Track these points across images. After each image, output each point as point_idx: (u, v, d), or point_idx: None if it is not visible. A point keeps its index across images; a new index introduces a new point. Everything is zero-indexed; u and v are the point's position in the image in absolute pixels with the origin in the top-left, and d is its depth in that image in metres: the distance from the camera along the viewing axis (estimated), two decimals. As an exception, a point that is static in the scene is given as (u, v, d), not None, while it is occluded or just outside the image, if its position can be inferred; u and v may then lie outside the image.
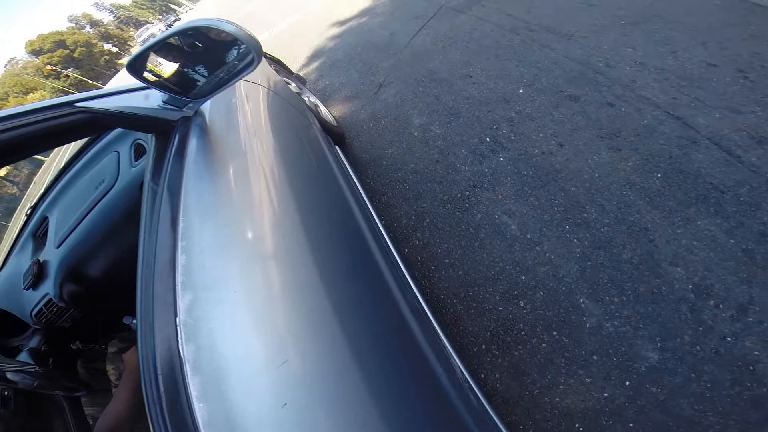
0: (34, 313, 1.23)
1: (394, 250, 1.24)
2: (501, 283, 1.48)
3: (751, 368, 1.05)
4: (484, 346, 1.37)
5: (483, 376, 1.31)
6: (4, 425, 1.13)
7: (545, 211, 1.59)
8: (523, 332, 1.34)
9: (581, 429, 1.12)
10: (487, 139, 2.00)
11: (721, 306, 1.16)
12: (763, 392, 1.01)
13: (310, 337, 0.65)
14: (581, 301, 1.33)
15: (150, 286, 0.67)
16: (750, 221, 1.29)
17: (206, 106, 1.07)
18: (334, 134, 2.21)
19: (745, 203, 1.33)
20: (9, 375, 1.02)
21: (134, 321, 0.96)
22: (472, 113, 2.20)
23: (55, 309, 1.21)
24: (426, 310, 1.02)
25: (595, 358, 1.21)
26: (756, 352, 1.07)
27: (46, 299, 1.21)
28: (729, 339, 1.11)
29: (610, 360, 1.18)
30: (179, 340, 0.58)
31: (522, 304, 1.40)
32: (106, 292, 1.27)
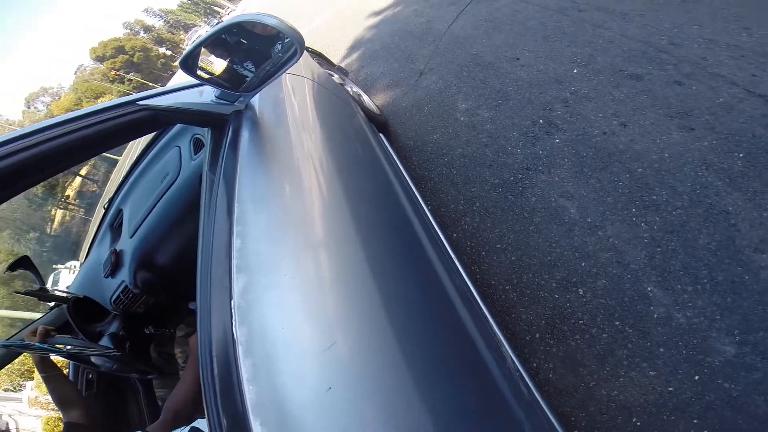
0: (113, 299, 1.33)
1: (442, 235, 1.23)
2: (558, 270, 1.39)
3: None
4: (537, 335, 1.30)
5: (535, 365, 1.25)
6: (90, 405, 1.20)
7: (608, 193, 1.47)
8: (581, 321, 1.26)
9: (638, 423, 1.05)
10: (540, 121, 1.88)
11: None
12: None
13: (358, 322, 0.65)
14: (649, 289, 1.22)
15: (208, 271, 0.70)
16: None
17: (255, 100, 1.11)
18: (378, 122, 2.22)
19: None
20: (93, 359, 1.10)
21: None
22: (523, 95, 2.08)
23: (130, 295, 1.31)
24: (476, 296, 1.00)
25: (661, 350, 1.11)
26: None
27: (122, 286, 1.31)
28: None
29: (680, 353, 1.09)
30: (233, 323, 0.59)
31: (581, 292, 1.31)
32: (174, 278, 1.36)
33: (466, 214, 1.73)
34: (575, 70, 2.04)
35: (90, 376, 1.34)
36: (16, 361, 1.38)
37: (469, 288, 1.02)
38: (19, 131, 0.69)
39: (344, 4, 5.98)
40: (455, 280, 0.96)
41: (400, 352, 0.62)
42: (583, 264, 1.36)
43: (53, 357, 1.07)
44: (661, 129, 1.56)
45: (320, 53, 2.47)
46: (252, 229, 0.75)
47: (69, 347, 1.07)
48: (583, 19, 2.42)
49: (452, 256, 1.14)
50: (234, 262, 0.67)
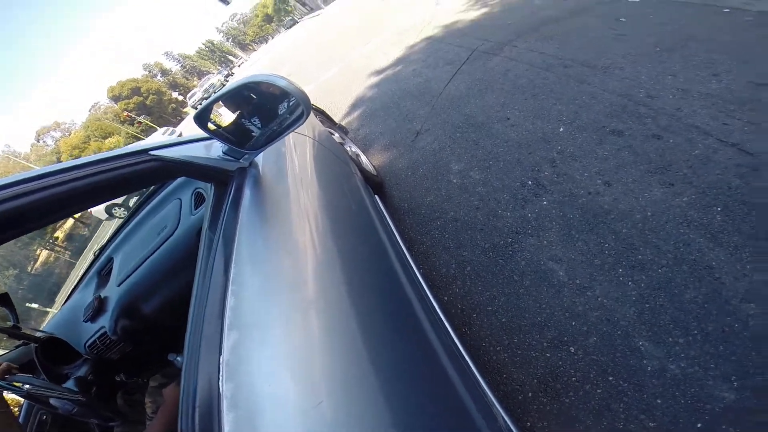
0: (87, 344, 1.32)
1: (433, 298, 1.24)
2: (549, 330, 1.41)
3: None
4: (530, 394, 1.30)
5: (529, 424, 1.24)
6: None
7: (595, 255, 1.52)
8: (574, 378, 1.26)
9: None
10: (529, 183, 1.97)
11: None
12: None
13: (347, 383, 0.65)
14: (640, 344, 1.23)
15: (199, 325, 0.71)
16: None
17: (259, 158, 1.14)
18: (374, 183, 2.28)
19: (825, 235, 1.21)
20: (52, 401, 1.07)
21: (178, 358, 0.97)
22: (512, 156, 2.19)
23: (107, 341, 1.30)
24: (466, 357, 1.01)
25: (659, 401, 1.11)
26: None
27: (101, 332, 1.31)
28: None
29: (678, 402, 1.08)
30: (220, 377, 0.60)
31: (572, 350, 1.32)
32: (156, 329, 1.36)
33: (458, 278, 1.77)
34: (561, 129, 2.15)
35: (44, 417, 1.29)
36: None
37: (459, 349, 1.02)
38: (30, 173, 0.68)
39: (348, 62, 6.37)
40: (445, 342, 0.96)
41: (389, 414, 0.62)
42: (573, 323, 1.38)
43: (7, 395, 1.02)
44: (643, 186, 1.62)
45: (323, 111, 2.59)
46: (247, 288, 0.76)
47: (28, 386, 1.04)
48: (568, 75, 2.56)
49: (443, 318, 1.14)
50: (227, 319, 0.68)
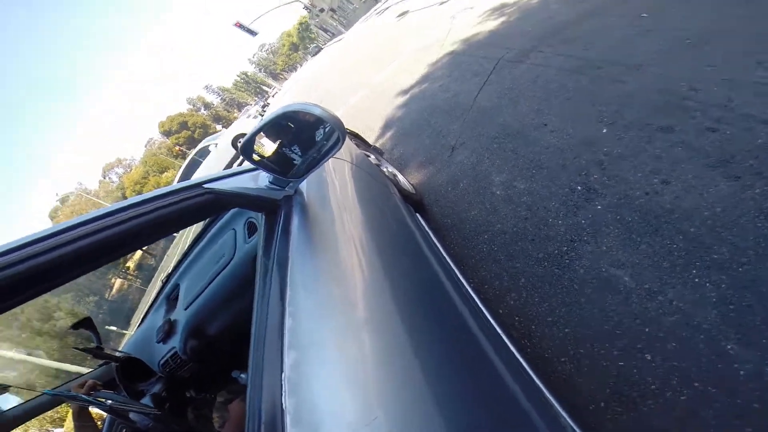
0: (161, 363, 1.43)
1: (486, 311, 1.22)
2: (619, 338, 1.33)
3: None
4: (602, 404, 1.23)
5: None
6: None
7: (663, 257, 1.43)
8: (653, 386, 1.18)
9: None
10: (579, 188, 1.90)
11: None
12: None
13: (401, 399, 0.66)
14: (729, 347, 1.14)
15: (261, 345, 0.74)
16: None
17: (303, 185, 1.19)
18: (414, 201, 2.30)
19: None
20: (131, 415, 1.15)
21: (242, 375, 1.05)
22: (556, 162, 2.13)
23: (178, 360, 1.41)
24: (527, 368, 0.99)
25: (756, 406, 1.02)
26: None
27: (172, 352, 1.41)
28: None
29: None
30: (283, 394, 0.63)
31: (649, 357, 1.24)
32: (220, 349, 1.47)
33: (512, 290, 1.72)
34: (604, 130, 2.09)
35: (123, 430, 1.42)
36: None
37: (520, 362, 1.01)
38: (96, 212, 0.74)
39: (374, 84, 6.49)
40: (503, 355, 0.94)
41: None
42: (646, 330, 1.30)
43: (92, 409, 1.15)
44: (706, 181, 1.54)
45: (357, 134, 2.62)
46: (303, 310, 0.80)
47: (111, 402, 1.13)
48: (600, 75, 2.51)
49: (498, 330, 1.13)
50: (286, 339, 0.72)
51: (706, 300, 1.27)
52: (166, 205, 0.83)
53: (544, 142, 2.32)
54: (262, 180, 1.15)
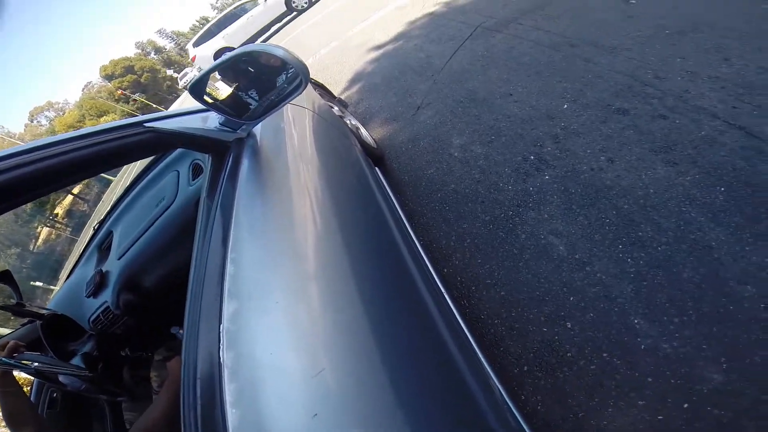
0: (91, 319, 1.33)
1: (433, 270, 1.24)
2: (547, 305, 1.41)
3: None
4: (526, 368, 1.31)
5: (523, 397, 1.25)
6: (50, 424, 1.22)
7: (595, 230, 1.51)
8: (569, 354, 1.27)
9: None
10: (531, 157, 1.94)
11: (800, 327, 1.05)
12: None
13: (347, 350, 0.65)
14: (636, 322, 1.24)
15: (199, 296, 0.70)
16: (834, 238, 1.17)
17: (257, 128, 1.12)
18: (375, 156, 2.26)
19: (827, 218, 1.21)
20: (61, 378, 1.08)
21: (181, 331, 1.00)
22: (515, 131, 2.15)
23: (111, 316, 1.31)
24: (464, 329, 1.01)
25: (649, 380, 1.12)
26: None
27: (103, 306, 1.32)
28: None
29: (667, 382, 1.09)
30: (221, 347, 0.59)
31: (569, 326, 1.32)
32: (158, 302, 1.36)
33: (457, 250, 1.77)
34: (565, 106, 2.12)
35: (54, 394, 1.32)
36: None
37: (458, 321, 1.02)
38: (26, 145, 0.69)
39: (347, 38, 6.19)
40: (444, 313, 0.96)
41: (389, 382, 0.62)
42: (571, 298, 1.38)
43: (17, 373, 1.04)
44: (647, 164, 1.61)
45: (322, 85, 2.54)
46: (246, 256, 0.75)
47: (37, 364, 1.04)
48: (575, 54, 2.51)
49: (442, 290, 1.14)
50: (226, 287, 0.68)
51: (625, 275, 1.35)
52: (102, 142, 0.79)
53: (507, 111, 2.33)
54: (212, 121, 1.08)
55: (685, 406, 1.04)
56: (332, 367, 0.59)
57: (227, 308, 0.65)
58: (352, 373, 0.61)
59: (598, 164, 1.72)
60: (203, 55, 11.28)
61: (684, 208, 1.42)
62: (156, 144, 0.93)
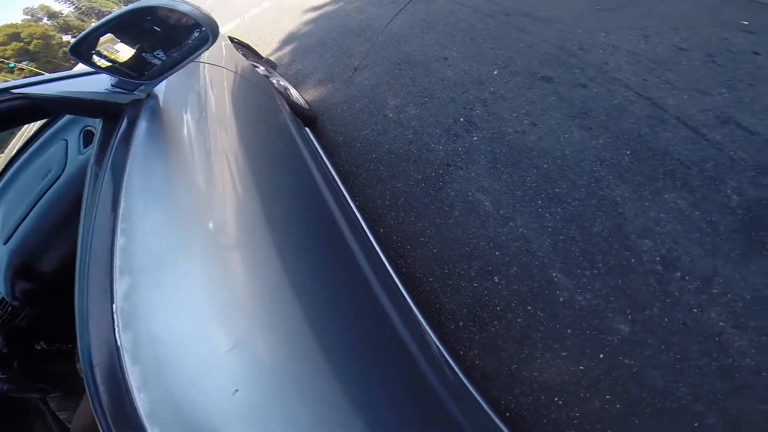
0: None
1: (368, 230, 1.23)
2: (475, 260, 1.46)
3: (717, 339, 1.06)
4: (461, 323, 1.35)
5: (462, 353, 1.29)
6: None
7: (518, 187, 1.59)
8: (498, 308, 1.33)
9: (560, 402, 1.10)
10: (461, 120, 1.98)
11: (687, 278, 1.18)
12: (729, 363, 1.02)
13: (267, 319, 0.61)
14: (554, 275, 1.32)
15: (85, 273, 0.63)
16: (714, 195, 1.32)
17: (161, 89, 1.02)
18: (306, 117, 2.16)
19: (710, 178, 1.37)
20: None
21: None
22: (447, 95, 2.18)
23: (9, 308, 1.15)
24: (401, 288, 1.01)
25: (569, 331, 1.20)
26: (721, 323, 1.08)
27: None
28: (695, 311, 1.12)
29: (584, 333, 1.18)
30: (116, 329, 0.54)
31: (496, 280, 1.39)
32: (61, 287, 1.19)
33: (392, 209, 1.77)
34: (496, 72, 2.17)
35: None
36: None
37: (395, 281, 1.02)
38: None
39: (282, -3, 5.83)
40: (380, 273, 0.94)
41: (318, 346, 0.60)
42: (497, 253, 1.44)
43: None
44: (565, 128, 1.71)
45: (246, 44, 2.39)
46: (140, 226, 0.68)
47: None
48: (509, 23, 2.57)
49: (378, 250, 1.14)
50: (117, 262, 0.61)
51: (544, 229, 1.44)
52: None
53: (442, 74, 2.35)
54: (104, 83, 0.98)
55: (601, 356, 1.13)
56: (252, 340, 0.56)
57: (119, 285, 0.59)
58: (274, 342, 0.58)
59: (522, 127, 1.80)
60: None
61: (595, 167, 1.53)
62: (29, 111, 0.84)
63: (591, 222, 1.40)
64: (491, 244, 1.48)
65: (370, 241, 1.15)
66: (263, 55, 2.89)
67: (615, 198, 1.42)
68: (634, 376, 1.08)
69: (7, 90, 0.79)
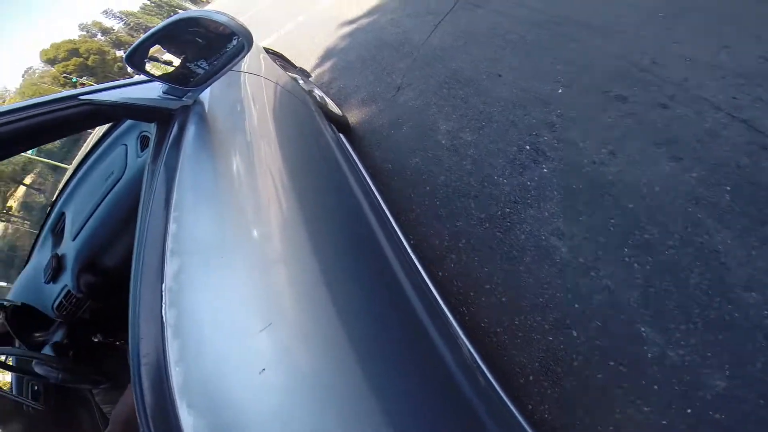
0: (55, 305, 1.27)
1: (424, 273, 1.16)
2: (551, 312, 1.33)
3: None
4: (531, 377, 1.25)
5: (530, 407, 1.20)
6: (36, 418, 1.19)
7: (599, 231, 1.41)
8: (575, 363, 1.22)
9: None
10: (527, 147, 1.81)
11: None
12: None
13: (300, 304, 0.64)
14: (643, 330, 1.19)
15: (141, 258, 0.69)
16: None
17: (206, 96, 1.12)
18: (339, 124, 2.19)
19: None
20: (37, 369, 1.05)
21: None
22: (507, 117, 2.01)
23: (74, 300, 1.26)
24: (462, 337, 0.95)
25: (656, 387, 1.10)
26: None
27: (65, 291, 1.26)
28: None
29: (672, 389, 1.08)
30: (163, 306, 0.60)
31: (575, 334, 1.26)
32: (121, 282, 1.25)
33: (452, 250, 1.64)
34: (560, 90, 1.99)
35: (36, 387, 1.26)
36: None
37: (455, 328, 0.97)
38: None
39: (314, 12, 5.83)
40: (433, 315, 0.90)
41: (355, 356, 0.60)
42: (576, 305, 1.30)
43: None
44: (650, 158, 1.51)
45: (281, 54, 2.38)
46: (190, 216, 0.76)
47: (4, 357, 1.04)
48: (563, 33, 2.38)
49: (435, 294, 1.07)
50: (168, 246, 0.68)
51: (631, 280, 1.28)
52: (30, 116, 0.79)
53: (496, 93, 2.18)
54: (156, 90, 1.08)
55: (689, 411, 1.03)
56: (282, 322, 0.59)
57: (169, 267, 0.65)
58: (306, 332, 0.59)
59: (600, 157, 1.61)
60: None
61: (690, 208, 1.34)
62: (93, 116, 0.94)
63: (687, 273, 1.23)
64: (569, 295, 1.33)
65: (428, 285, 1.09)
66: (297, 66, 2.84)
67: (716, 246, 1.24)
68: (723, 431, 0.98)
69: (74, 96, 0.90)
